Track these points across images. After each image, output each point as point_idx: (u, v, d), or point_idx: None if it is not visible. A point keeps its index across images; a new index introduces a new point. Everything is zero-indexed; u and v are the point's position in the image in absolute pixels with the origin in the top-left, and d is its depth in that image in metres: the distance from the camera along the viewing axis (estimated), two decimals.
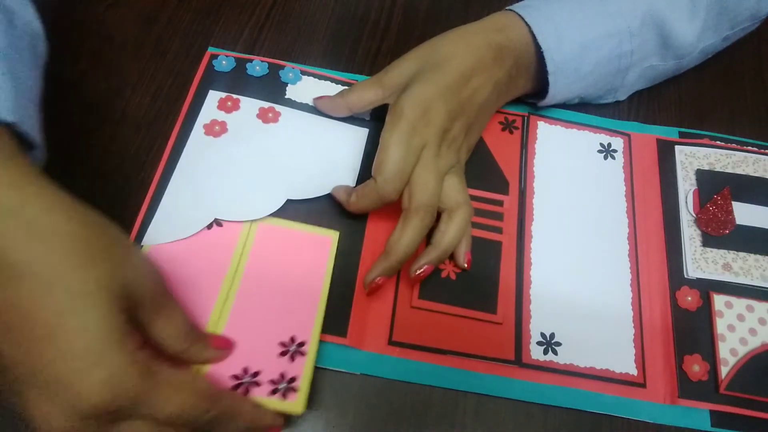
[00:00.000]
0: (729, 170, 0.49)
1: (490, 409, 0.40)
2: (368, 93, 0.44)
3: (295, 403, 0.36)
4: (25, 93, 0.33)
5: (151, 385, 0.28)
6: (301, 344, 0.38)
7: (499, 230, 0.45)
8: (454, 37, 0.44)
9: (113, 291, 0.28)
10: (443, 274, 0.43)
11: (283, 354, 0.37)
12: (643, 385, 0.41)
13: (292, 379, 0.36)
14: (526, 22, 0.44)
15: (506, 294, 0.42)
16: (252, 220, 0.42)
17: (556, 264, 0.44)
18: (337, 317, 0.40)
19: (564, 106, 0.51)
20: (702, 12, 0.47)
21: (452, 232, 0.41)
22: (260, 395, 0.36)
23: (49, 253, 0.27)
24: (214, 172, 0.44)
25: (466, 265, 0.42)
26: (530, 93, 0.49)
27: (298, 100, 0.48)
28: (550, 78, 0.45)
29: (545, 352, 0.41)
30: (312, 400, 0.38)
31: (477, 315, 0.42)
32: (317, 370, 0.39)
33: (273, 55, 0.52)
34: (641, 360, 0.41)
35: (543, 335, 0.41)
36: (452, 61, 0.43)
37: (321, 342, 0.39)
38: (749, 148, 0.50)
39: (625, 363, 0.41)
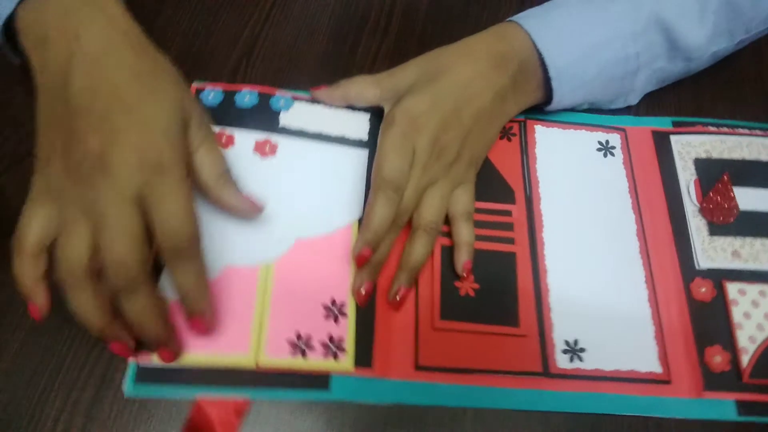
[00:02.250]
0: (725, 156, 0.49)
1: (490, 410, 0.40)
2: (367, 91, 0.46)
3: (346, 363, 0.39)
4: None
5: (169, 184, 0.34)
6: (342, 305, 0.41)
7: (511, 241, 0.45)
8: (455, 48, 0.45)
9: (180, 106, 0.37)
10: (462, 292, 0.42)
11: (327, 316, 0.40)
12: (668, 382, 0.41)
13: (340, 340, 0.39)
14: (526, 31, 0.45)
15: (526, 305, 0.42)
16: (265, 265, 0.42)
17: (571, 268, 0.44)
18: (360, 347, 0.40)
19: (572, 110, 0.51)
20: (711, 16, 0.47)
21: (416, 253, 0.41)
22: (316, 358, 0.39)
23: (144, 64, 0.38)
24: (219, 216, 0.42)
25: (464, 274, 0.42)
26: (543, 100, 0.49)
27: (293, 128, 0.47)
28: (554, 83, 0.45)
29: (571, 360, 0.41)
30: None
31: (500, 330, 0.41)
32: (349, 405, 0.39)
33: (273, 55, 0.52)
34: (664, 356, 0.42)
35: (567, 343, 0.41)
36: (449, 71, 0.43)
37: (348, 377, 0.39)
38: (740, 130, 0.51)
39: (649, 361, 0.41)
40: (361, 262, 0.40)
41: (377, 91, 0.46)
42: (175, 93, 0.38)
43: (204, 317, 0.37)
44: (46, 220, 0.35)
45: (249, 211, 0.41)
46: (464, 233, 0.43)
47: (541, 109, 0.50)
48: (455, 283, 0.42)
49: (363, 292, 0.41)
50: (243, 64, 0.52)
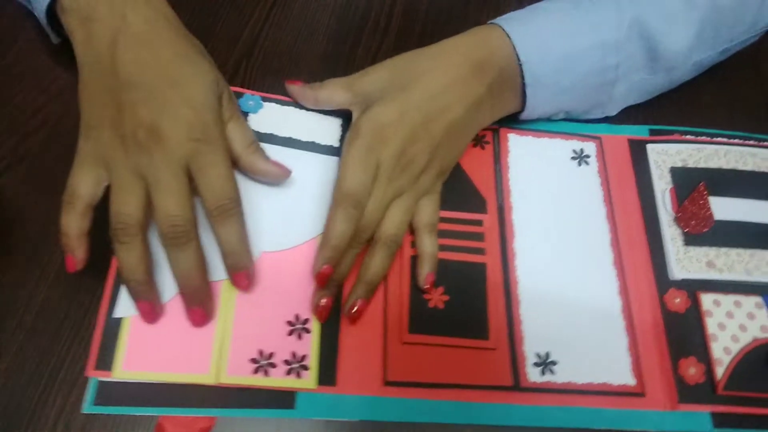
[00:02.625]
0: (702, 165, 0.49)
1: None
2: (337, 95, 0.46)
3: (309, 381, 0.38)
4: None
5: (214, 152, 0.38)
6: (305, 321, 0.40)
7: (481, 251, 0.44)
8: (432, 53, 0.44)
9: (216, 84, 0.41)
10: (431, 304, 0.41)
11: (291, 333, 0.39)
12: (642, 395, 0.40)
13: (303, 357, 0.39)
14: (508, 36, 0.43)
15: (497, 317, 0.42)
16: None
17: (543, 280, 0.43)
18: (324, 365, 0.39)
19: (548, 119, 0.50)
20: (696, 23, 0.45)
21: (374, 266, 0.40)
22: (278, 376, 0.38)
23: (184, 45, 0.41)
24: None
25: (427, 287, 0.41)
26: (519, 109, 0.47)
27: (262, 131, 0.46)
28: (528, 90, 0.44)
29: (542, 373, 0.40)
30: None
31: (470, 343, 0.41)
32: (316, 422, 0.38)
33: (273, 55, 0.51)
34: (638, 369, 0.41)
35: (538, 355, 0.41)
36: (422, 79, 0.42)
37: (314, 393, 0.38)
38: (719, 139, 0.51)
39: (622, 374, 0.41)
40: (321, 280, 0.39)
41: (347, 96, 0.45)
42: (211, 71, 0.41)
43: (248, 272, 0.39)
44: (95, 182, 0.37)
45: (279, 175, 0.43)
46: (427, 245, 0.42)
47: (515, 118, 0.49)
48: (425, 296, 0.42)
49: (322, 304, 0.40)
50: (243, 65, 0.51)
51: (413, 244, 0.43)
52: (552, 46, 0.44)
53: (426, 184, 0.43)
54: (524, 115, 0.47)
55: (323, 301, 0.40)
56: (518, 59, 0.43)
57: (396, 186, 0.41)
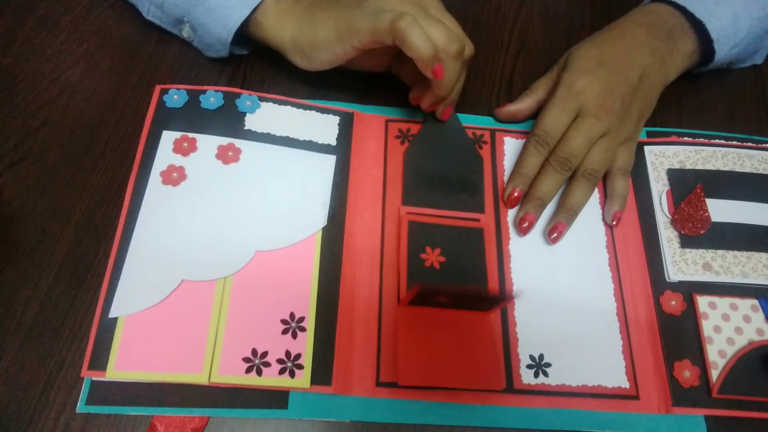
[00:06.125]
0: (699, 167, 0.49)
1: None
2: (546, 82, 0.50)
3: (302, 380, 0.38)
4: None
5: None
6: (301, 319, 0.39)
7: (481, 253, 0.43)
8: (603, 33, 0.49)
9: None
10: (427, 264, 0.42)
11: (285, 332, 0.39)
12: (636, 397, 0.40)
13: (297, 356, 0.38)
14: (675, 3, 0.49)
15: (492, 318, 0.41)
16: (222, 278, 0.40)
17: (538, 282, 0.43)
18: (319, 364, 0.39)
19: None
20: None
21: (573, 196, 0.45)
22: (271, 375, 0.38)
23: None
24: (176, 227, 0.41)
25: (614, 223, 0.45)
26: (699, 64, 0.52)
27: (258, 131, 0.46)
28: (716, 46, 0.48)
29: (536, 375, 0.40)
30: None
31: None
32: (308, 423, 0.38)
33: (273, 55, 0.50)
34: (632, 371, 0.41)
35: (532, 357, 0.41)
36: (606, 44, 0.48)
37: (307, 394, 0.38)
38: (717, 141, 0.50)
39: (616, 377, 0.41)
40: (512, 202, 0.45)
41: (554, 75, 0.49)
42: None
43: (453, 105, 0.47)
44: None
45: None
46: (619, 186, 0.46)
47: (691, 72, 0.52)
48: (421, 256, 0.42)
49: (525, 226, 0.44)
50: (242, 65, 0.51)
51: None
52: (722, 4, 0.48)
53: (629, 128, 0.46)
54: (711, 67, 0.51)
55: (526, 223, 0.44)
56: (689, 21, 0.48)
57: (602, 125, 0.44)
